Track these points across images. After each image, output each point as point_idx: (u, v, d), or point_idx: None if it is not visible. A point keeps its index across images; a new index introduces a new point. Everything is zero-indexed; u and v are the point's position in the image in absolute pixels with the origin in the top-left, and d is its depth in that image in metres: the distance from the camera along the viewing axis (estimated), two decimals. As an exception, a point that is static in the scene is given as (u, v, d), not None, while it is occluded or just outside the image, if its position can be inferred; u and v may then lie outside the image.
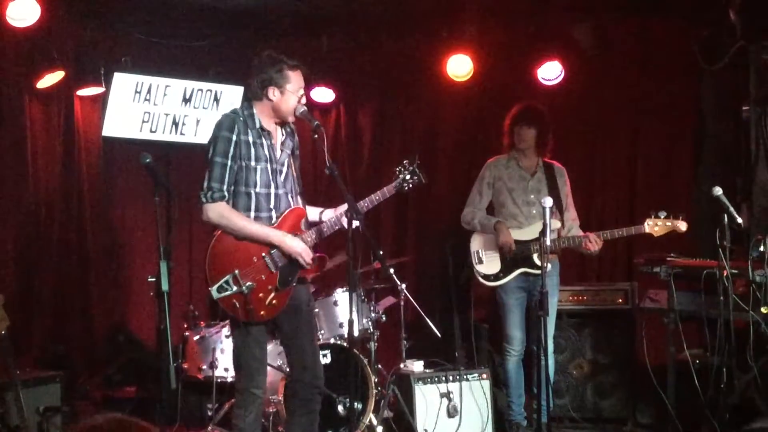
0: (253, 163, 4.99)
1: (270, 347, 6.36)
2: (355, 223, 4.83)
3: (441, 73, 8.14)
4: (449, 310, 7.69)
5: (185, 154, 8.00)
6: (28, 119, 7.16)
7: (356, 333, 6.30)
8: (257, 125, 5.04)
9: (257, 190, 5.02)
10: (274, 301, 5.01)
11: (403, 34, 8.18)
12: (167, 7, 7.39)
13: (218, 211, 4.94)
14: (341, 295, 6.76)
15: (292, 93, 5.04)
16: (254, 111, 5.07)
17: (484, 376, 6.69)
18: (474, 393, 6.61)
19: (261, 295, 4.97)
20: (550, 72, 7.96)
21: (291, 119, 5.12)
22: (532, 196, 6.62)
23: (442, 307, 7.70)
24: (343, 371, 6.16)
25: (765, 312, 5.79)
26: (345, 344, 6.43)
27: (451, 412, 6.53)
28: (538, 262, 6.31)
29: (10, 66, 7.02)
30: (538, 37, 7.93)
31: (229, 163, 4.93)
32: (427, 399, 6.52)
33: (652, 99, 7.97)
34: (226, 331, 6.58)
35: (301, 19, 7.85)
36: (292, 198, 5.16)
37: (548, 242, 5.47)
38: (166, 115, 7.78)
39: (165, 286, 4.85)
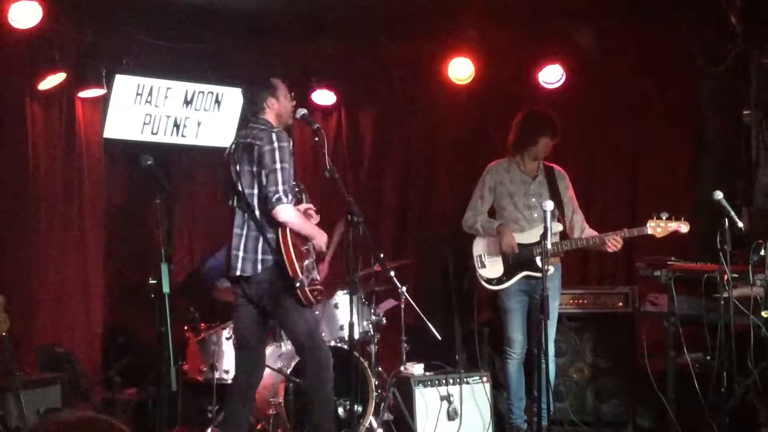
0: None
1: (270, 350, 6.38)
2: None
3: (442, 75, 8.13)
4: (450, 313, 7.68)
5: (186, 157, 7.99)
6: (29, 121, 7.12)
7: (356, 335, 6.30)
8: None
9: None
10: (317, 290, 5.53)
11: (404, 36, 8.18)
12: (168, 9, 7.39)
13: (293, 211, 5.30)
14: (342, 298, 6.78)
15: (283, 96, 5.51)
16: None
17: (485, 379, 6.69)
18: (475, 396, 6.61)
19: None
20: (552, 75, 7.94)
21: (291, 121, 5.57)
22: (533, 200, 6.62)
23: (442, 310, 7.68)
24: (344, 374, 6.16)
25: (765, 316, 5.80)
26: (345, 347, 6.44)
27: (452, 415, 6.52)
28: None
29: (12, 68, 7.00)
30: (539, 40, 7.93)
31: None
32: (427, 402, 6.51)
33: (652, 103, 7.96)
34: (226, 333, 6.59)
35: (302, 22, 7.84)
36: None
37: (549, 245, 5.47)
38: (168, 117, 7.76)
39: (166, 289, 4.87)
